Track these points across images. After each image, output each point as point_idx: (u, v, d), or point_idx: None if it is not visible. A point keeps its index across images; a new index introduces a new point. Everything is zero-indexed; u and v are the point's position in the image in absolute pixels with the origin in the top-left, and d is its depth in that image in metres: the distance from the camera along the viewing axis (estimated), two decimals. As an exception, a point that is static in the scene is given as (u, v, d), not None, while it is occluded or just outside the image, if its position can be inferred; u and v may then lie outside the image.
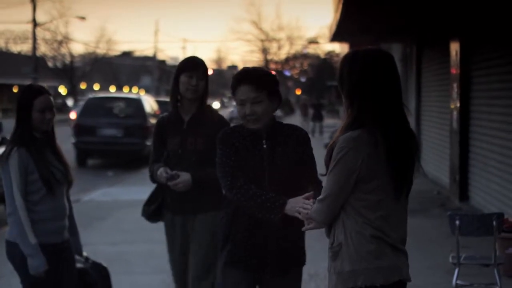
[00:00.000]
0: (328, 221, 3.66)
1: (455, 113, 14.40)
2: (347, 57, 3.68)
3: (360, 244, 3.55)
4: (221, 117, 5.83)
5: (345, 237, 3.58)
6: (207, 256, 5.67)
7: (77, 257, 5.63)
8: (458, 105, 14.13)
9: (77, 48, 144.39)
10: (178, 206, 5.77)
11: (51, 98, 5.28)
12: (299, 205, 4.10)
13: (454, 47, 14.37)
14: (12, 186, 5.12)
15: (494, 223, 6.94)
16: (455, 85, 14.35)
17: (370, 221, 3.56)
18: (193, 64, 5.72)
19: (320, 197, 3.65)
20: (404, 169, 3.63)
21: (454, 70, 14.40)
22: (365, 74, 3.59)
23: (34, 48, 53.96)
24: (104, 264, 5.79)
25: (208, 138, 5.52)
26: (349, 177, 3.55)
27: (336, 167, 3.57)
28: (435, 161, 17.17)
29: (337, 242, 3.61)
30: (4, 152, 5.16)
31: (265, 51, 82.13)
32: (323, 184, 3.74)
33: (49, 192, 5.19)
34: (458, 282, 7.15)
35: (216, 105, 56.57)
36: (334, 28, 17.30)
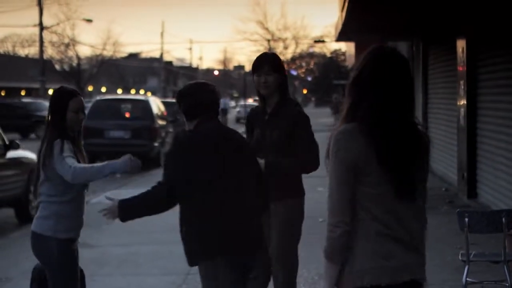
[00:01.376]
0: (346, 216, 3.48)
1: (462, 110, 14.39)
2: (367, 51, 3.68)
3: (367, 243, 3.50)
4: (299, 111, 5.99)
5: (351, 236, 3.53)
6: (283, 243, 5.86)
7: None
8: (465, 102, 14.12)
9: (84, 51, 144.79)
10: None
11: (83, 100, 5.62)
12: None
13: (461, 45, 14.36)
14: (64, 157, 5.32)
15: (504, 220, 6.93)
16: (461, 82, 14.34)
17: (376, 216, 3.50)
18: (258, 63, 6.07)
19: (327, 196, 3.59)
20: (401, 172, 3.53)
21: (461, 68, 14.39)
22: (368, 67, 3.58)
23: (41, 51, 54.11)
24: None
25: (283, 130, 5.86)
26: (348, 169, 3.49)
27: (333, 161, 3.53)
28: (443, 158, 17.15)
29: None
30: (46, 148, 5.43)
31: (271, 50, 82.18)
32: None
33: (81, 190, 5.59)
34: (468, 279, 7.14)
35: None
36: (339, 27, 17.30)
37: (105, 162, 5.44)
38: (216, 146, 5.05)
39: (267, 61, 6.05)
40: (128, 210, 5.22)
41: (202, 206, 4.97)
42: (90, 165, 5.45)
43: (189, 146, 5.07)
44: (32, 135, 38.70)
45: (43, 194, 5.56)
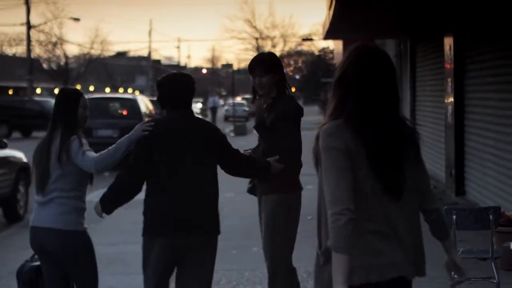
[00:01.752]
0: (350, 203, 3.41)
1: (449, 107, 14.43)
2: (349, 50, 3.70)
3: (355, 241, 3.47)
4: (287, 106, 6.14)
5: None
6: (266, 235, 6.12)
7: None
8: (452, 99, 14.16)
9: (72, 50, 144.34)
10: (259, 186, 6.32)
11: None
12: None
13: (448, 42, 14.40)
14: (84, 151, 5.62)
15: (491, 217, 6.96)
16: (449, 80, 14.38)
17: (364, 213, 3.48)
18: (252, 64, 6.21)
19: (326, 191, 3.50)
20: (389, 168, 3.53)
21: (448, 65, 14.43)
22: (351, 66, 3.60)
23: (29, 50, 53.95)
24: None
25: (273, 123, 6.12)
26: (343, 155, 3.48)
27: (327, 153, 3.50)
28: (430, 156, 17.20)
29: (325, 246, 3.54)
30: (63, 145, 5.64)
31: (259, 49, 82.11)
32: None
33: (91, 183, 5.98)
34: (456, 276, 7.16)
35: (197, 106, 55.75)
36: (327, 25, 17.31)
37: (118, 141, 5.69)
38: (173, 134, 5.43)
39: (260, 63, 6.16)
40: (105, 201, 5.64)
41: (150, 187, 5.48)
42: (106, 150, 5.65)
43: (152, 132, 5.46)
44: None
45: (58, 190, 5.65)
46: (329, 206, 3.45)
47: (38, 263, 5.86)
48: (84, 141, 5.71)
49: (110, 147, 5.68)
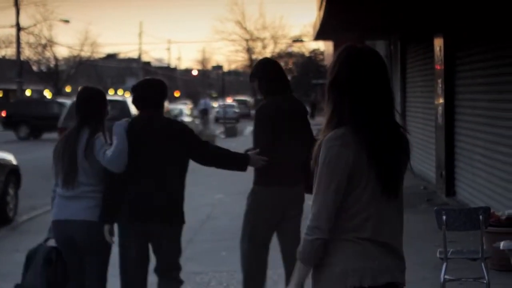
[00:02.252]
0: (326, 224, 3.48)
1: (440, 108, 14.45)
2: (337, 52, 3.67)
3: (348, 246, 3.49)
4: (256, 108, 6.78)
5: (333, 238, 3.51)
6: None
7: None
8: (442, 100, 14.18)
9: (62, 52, 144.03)
10: None
11: None
12: None
13: (438, 43, 14.42)
14: (105, 150, 6.07)
15: (481, 217, 6.97)
16: (439, 81, 14.40)
17: (357, 221, 3.50)
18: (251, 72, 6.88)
19: (313, 206, 3.52)
20: (390, 168, 3.54)
21: (439, 66, 14.45)
22: (343, 69, 3.56)
23: (18, 52, 53.76)
24: None
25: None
26: (341, 177, 3.47)
27: (326, 169, 3.49)
28: (421, 157, 17.22)
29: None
30: (90, 142, 6.09)
31: (249, 50, 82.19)
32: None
33: None
34: (446, 277, 7.17)
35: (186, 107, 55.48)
36: (318, 26, 17.34)
37: (114, 144, 6.05)
38: (139, 133, 6.12)
39: (252, 69, 6.87)
40: (108, 209, 6.10)
41: (124, 177, 6.07)
42: (112, 152, 5.99)
43: (128, 130, 6.12)
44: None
45: (86, 185, 6.04)
46: (310, 217, 3.51)
47: (53, 245, 6.19)
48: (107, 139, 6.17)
49: (113, 150, 6.01)
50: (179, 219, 6.19)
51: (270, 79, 6.60)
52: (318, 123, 41.31)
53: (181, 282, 6.40)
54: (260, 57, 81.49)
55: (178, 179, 6.17)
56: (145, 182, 6.06)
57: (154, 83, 6.43)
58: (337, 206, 3.49)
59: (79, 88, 6.70)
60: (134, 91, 6.41)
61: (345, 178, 3.47)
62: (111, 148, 5.98)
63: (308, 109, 57.54)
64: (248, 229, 6.64)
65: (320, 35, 20.39)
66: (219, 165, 6.44)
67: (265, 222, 6.58)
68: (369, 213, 3.52)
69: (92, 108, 6.21)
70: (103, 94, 6.39)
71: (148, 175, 6.06)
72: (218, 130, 42.82)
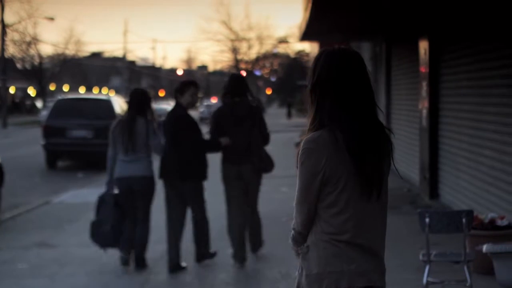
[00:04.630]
0: (304, 228, 3.58)
1: (424, 111, 14.48)
2: (316, 55, 3.68)
3: (326, 247, 3.50)
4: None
5: (313, 239, 3.54)
6: None
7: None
8: (427, 103, 14.21)
9: (46, 49, 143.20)
10: None
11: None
12: None
13: (423, 46, 14.45)
14: (155, 132, 9.18)
15: (464, 220, 6.99)
16: (424, 83, 14.43)
17: (336, 223, 3.51)
18: None
19: (295, 203, 3.61)
20: (369, 168, 3.54)
21: (423, 69, 14.48)
22: (323, 71, 3.57)
23: (3, 49, 53.55)
24: None
25: None
26: (314, 179, 3.50)
27: (300, 170, 3.54)
28: (405, 159, 17.25)
29: (306, 244, 3.58)
30: (149, 126, 9.22)
31: (235, 51, 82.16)
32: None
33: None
34: (429, 279, 7.19)
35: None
36: (303, 27, 17.33)
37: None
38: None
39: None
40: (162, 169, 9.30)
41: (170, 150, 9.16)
42: (162, 140, 9.16)
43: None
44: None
45: (142, 152, 9.06)
46: (294, 220, 3.63)
47: (116, 192, 9.15)
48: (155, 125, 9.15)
49: (163, 142, 9.16)
50: (202, 177, 9.17)
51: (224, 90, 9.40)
52: (295, 124, 41.38)
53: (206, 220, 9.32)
54: (245, 58, 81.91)
55: (197, 154, 9.11)
56: (182, 154, 8.99)
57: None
58: (312, 206, 3.55)
59: (133, 89, 9.71)
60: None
61: (318, 179, 3.50)
62: (162, 139, 9.05)
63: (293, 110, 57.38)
64: (226, 194, 9.39)
65: (305, 37, 20.37)
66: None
67: (231, 188, 9.26)
68: (349, 214, 3.53)
69: (143, 103, 9.23)
70: (148, 93, 9.60)
71: (184, 150, 9.00)
72: (204, 130, 42.71)
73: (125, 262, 9.23)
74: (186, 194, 9.10)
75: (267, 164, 9.34)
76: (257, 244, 9.50)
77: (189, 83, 9.38)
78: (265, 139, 9.36)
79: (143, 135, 9.00)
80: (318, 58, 3.64)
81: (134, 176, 9.01)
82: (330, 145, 3.49)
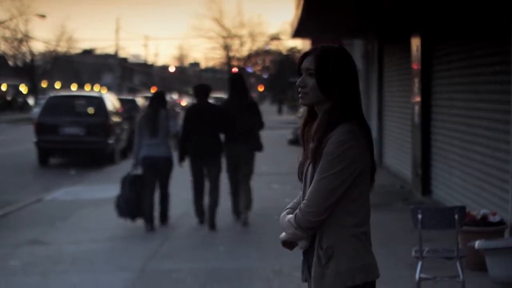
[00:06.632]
0: (322, 215, 3.56)
1: (416, 107, 14.50)
2: (323, 52, 3.65)
3: (352, 242, 3.56)
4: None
5: (337, 238, 3.57)
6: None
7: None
8: (419, 100, 14.23)
9: (38, 46, 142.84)
10: None
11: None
12: None
13: (415, 43, 14.46)
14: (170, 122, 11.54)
15: (456, 216, 7.00)
16: (416, 80, 14.44)
17: (360, 216, 3.59)
18: None
19: (310, 198, 3.57)
20: (374, 161, 3.71)
21: (415, 66, 14.50)
22: (344, 69, 3.63)
23: (-6, 46, 53.39)
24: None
25: None
26: (353, 170, 3.54)
27: (338, 161, 3.53)
28: (397, 156, 17.27)
29: (327, 244, 3.57)
30: (169, 116, 11.65)
31: (227, 48, 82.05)
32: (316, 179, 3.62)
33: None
34: (421, 275, 7.20)
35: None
36: (295, 24, 17.33)
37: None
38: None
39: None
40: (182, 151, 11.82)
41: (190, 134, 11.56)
42: (176, 129, 11.66)
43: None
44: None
45: (164, 137, 11.28)
46: (316, 202, 3.55)
47: (138, 173, 11.32)
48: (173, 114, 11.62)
49: (176, 129, 11.67)
50: (220, 155, 11.52)
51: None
52: (286, 120, 41.29)
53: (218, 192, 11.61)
54: (237, 55, 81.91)
55: (215, 139, 11.42)
56: (201, 137, 11.31)
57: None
58: (337, 198, 3.55)
59: (155, 89, 9.73)
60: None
61: (355, 170, 3.56)
62: (178, 126, 11.55)
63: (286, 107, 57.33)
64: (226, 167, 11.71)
65: (297, 34, 20.38)
66: None
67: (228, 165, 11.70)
68: (369, 205, 3.65)
69: (163, 99, 11.68)
70: (165, 93, 12.11)
71: (203, 134, 11.31)
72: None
73: (150, 229, 11.18)
74: (209, 168, 11.51)
75: (260, 145, 11.77)
76: (248, 205, 11.62)
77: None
78: (260, 125, 11.72)
79: (165, 123, 11.26)
80: (328, 52, 3.64)
81: (157, 156, 11.28)
82: (360, 138, 3.58)
